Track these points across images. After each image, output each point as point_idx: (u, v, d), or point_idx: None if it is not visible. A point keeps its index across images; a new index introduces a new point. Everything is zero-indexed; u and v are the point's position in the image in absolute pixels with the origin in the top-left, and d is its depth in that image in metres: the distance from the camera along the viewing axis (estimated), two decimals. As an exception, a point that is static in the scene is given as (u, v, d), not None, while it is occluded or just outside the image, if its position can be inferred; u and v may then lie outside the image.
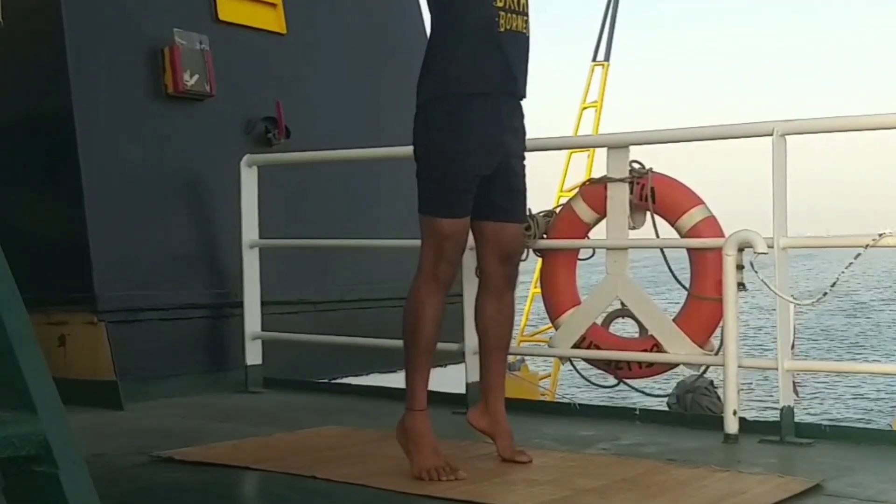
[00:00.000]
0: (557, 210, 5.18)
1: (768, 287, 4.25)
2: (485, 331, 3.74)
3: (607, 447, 4.12)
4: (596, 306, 5.04)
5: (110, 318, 5.47)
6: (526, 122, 3.68)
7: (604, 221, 4.95)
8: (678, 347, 4.74)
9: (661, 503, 3.18)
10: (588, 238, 5.10)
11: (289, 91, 6.69)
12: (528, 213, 5.07)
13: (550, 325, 5.39)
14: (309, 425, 4.45)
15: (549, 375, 16.04)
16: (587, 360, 5.19)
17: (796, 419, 4.29)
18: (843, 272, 4.26)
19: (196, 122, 6.23)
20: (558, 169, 17.31)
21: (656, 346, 4.82)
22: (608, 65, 17.80)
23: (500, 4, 3.45)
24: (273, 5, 6.72)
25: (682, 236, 4.82)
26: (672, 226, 4.86)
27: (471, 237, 3.70)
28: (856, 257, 4.27)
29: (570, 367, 5.64)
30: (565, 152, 16.78)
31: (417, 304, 3.49)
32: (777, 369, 4.30)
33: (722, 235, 4.60)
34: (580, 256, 5.16)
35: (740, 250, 4.32)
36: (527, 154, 3.73)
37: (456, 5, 3.47)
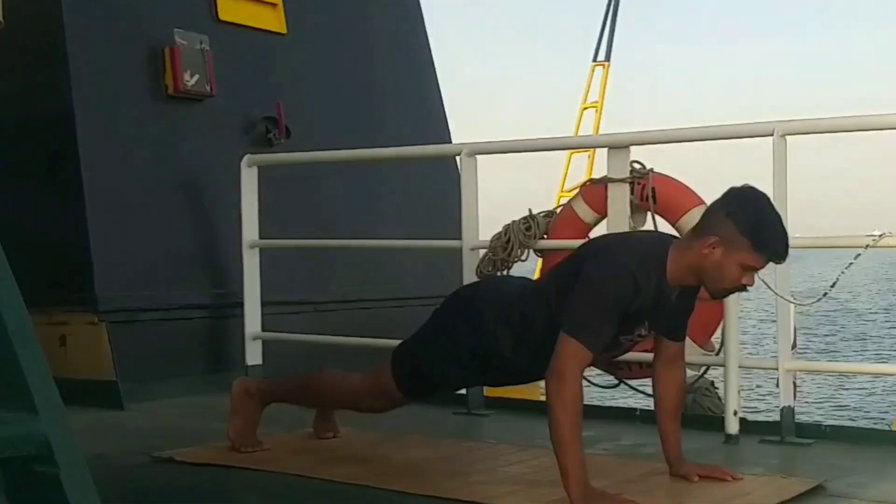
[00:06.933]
0: (558, 210, 5.18)
1: (768, 287, 4.25)
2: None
3: (608, 448, 4.12)
4: (596, 306, 5.02)
5: (111, 319, 5.47)
6: None
7: (604, 222, 4.95)
8: (679, 347, 4.73)
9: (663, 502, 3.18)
10: (589, 238, 5.09)
11: (289, 91, 6.69)
12: (528, 213, 5.09)
13: (551, 325, 5.38)
14: (309, 425, 4.44)
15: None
16: (588, 361, 5.18)
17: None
18: (843, 272, 4.26)
19: (196, 122, 6.23)
20: (559, 169, 17.32)
21: (657, 347, 4.81)
22: (609, 65, 17.81)
23: None
24: (273, 5, 6.72)
25: (683, 236, 4.82)
26: (673, 226, 4.86)
27: None
28: (855, 258, 4.27)
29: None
30: (566, 153, 16.80)
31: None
32: (777, 369, 4.30)
33: (722, 235, 4.59)
34: (581, 256, 5.15)
35: (741, 250, 4.31)
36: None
37: None
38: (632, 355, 4.91)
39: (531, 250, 5.05)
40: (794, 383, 4.47)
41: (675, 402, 3.61)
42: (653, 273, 3.21)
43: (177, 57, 5.99)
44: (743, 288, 3.29)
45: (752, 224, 3.16)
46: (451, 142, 7.27)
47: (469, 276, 5.00)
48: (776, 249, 3.22)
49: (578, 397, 3.11)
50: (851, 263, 4.29)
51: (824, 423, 4.68)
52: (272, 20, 6.72)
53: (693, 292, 3.42)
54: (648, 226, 4.91)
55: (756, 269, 3.24)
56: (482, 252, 5.13)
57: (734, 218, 3.17)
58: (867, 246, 4.13)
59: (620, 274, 3.17)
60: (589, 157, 16.43)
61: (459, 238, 5.12)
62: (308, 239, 6.10)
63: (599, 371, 5.19)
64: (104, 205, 5.66)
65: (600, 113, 17.61)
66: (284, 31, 6.76)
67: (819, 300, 4.61)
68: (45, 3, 5.74)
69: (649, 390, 5.88)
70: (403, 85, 7.58)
